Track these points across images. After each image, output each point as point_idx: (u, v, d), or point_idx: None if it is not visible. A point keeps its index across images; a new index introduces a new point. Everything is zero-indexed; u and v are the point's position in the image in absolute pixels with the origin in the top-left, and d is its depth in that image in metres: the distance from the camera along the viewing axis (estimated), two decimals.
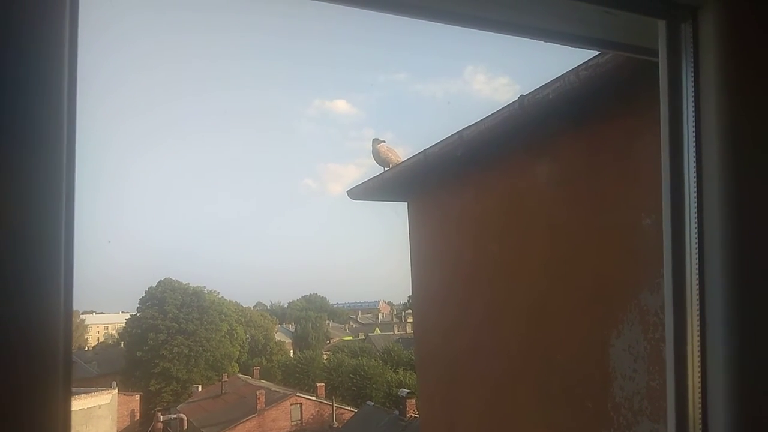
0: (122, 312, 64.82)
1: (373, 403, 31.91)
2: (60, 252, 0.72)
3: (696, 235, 1.24)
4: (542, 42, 1.42)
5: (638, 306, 2.75)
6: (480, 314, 4.06)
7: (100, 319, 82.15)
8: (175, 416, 37.42)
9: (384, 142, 5.41)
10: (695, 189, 1.24)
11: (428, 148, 4.10)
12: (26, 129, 0.71)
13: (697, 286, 1.23)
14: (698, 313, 1.23)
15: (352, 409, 34.75)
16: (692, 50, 1.25)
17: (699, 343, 1.22)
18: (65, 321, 0.73)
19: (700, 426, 1.19)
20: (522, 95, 3.19)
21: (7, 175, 0.69)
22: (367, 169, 5.28)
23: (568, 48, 1.54)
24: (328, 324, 75.27)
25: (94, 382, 40.82)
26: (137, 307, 51.29)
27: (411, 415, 24.42)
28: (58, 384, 0.71)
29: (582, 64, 2.73)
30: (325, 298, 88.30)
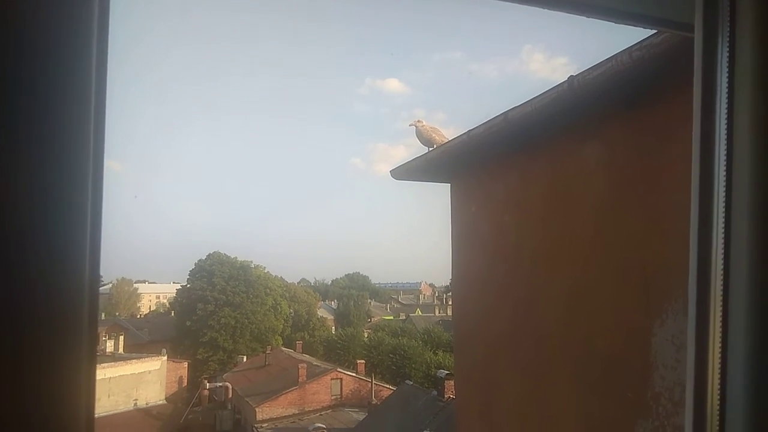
0: (173, 282, 67.36)
1: (411, 383, 32.21)
2: (86, 214, 0.71)
3: (723, 218, 1.20)
4: (591, 19, 1.37)
5: (684, 296, 2.66)
6: (520, 298, 4.03)
7: (153, 288, 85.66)
8: (220, 384, 38.86)
9: (422, 121, 5.37)
10: (725, 167, 1.19)
11: (472, 129, 4.05)
12: (55, 93, 0.70)
13: (722, 274, 1.19)
14: (721, 304, 1.19)
15: (390, 387, 35.20)
16: (728, 23, 1.19)
17: (720, 340, 1.18)
18: (91, 287, 0.72)
19: (717, 423, 1.17)
20: (571, 76, 3.10)
21: (33, 147, 0.69)
22: (416, 150, 5.26)
23: (629, 27, 1.48)
24: (370, 303, 76.08)
25: (145, 349, 42.85)
26: (187, 279, 53.12)
27: (449, 396, 24.54)
28: (82, 352, 0.70)
29: (635, 44, 2.63)
30: (368, 277, 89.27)
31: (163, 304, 79.18)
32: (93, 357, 0.71)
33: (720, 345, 1.17)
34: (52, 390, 0.68)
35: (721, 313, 1.18)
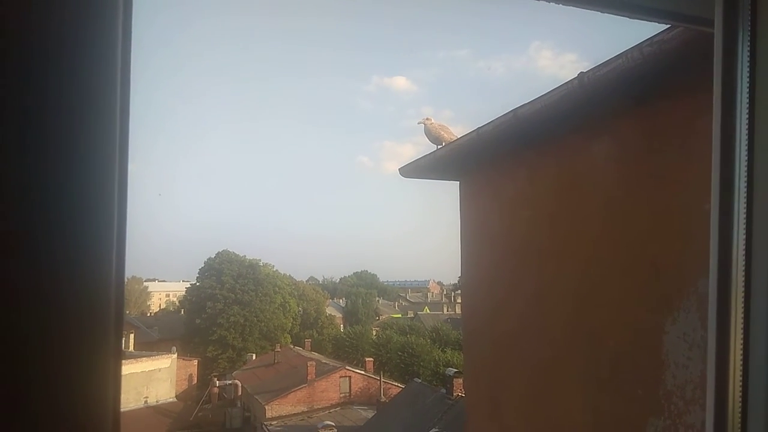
0: (183, 281, 67.75)
1: (420, 380, 32.21)
2: (113, 214, 0.73)
3: (744, 218, 1.19)
4: (603, 14, 1.36)
5: (696, 293, 2.66)
6: (528, 296, 4.02)
7: (163, 286, 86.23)
8: (230, 382, 39.08)
9: (430, 119, 5.36)
10: (746, 165, 1.18)
11: (481, 127, 4.04)
12: (81, 95, 0.71)
13: (743, 273, 1.18)
14: (743, 303, 1.18)
15: (399, 384, 35.21)
16: (749, 19, 1.17)
17: (742, 339, 1.17)
18: (117, 285, 0.73)
19: (740, 421, 1.16)
20: (582, 72, 3.09)
21: (61, 148, 0.70)
22: (424, 148, 5.26)
23: (640, 23, 1.46)
24: (378, 301, 76.17)
25: (155, 347, 43.13)
26: (197, 277, 53.39)
27: (457, 394, 24.53)
28: (108, 349, 0.72)
29: (646, 40, 2.61)
30: (376, 275, 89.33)
31: (173, 302, 79.60)
32: (119, 353, 0.73)
33: (741, 344, 1.16)
34: (81, 385, 0.70)
35: (742, 313, 1.17)
